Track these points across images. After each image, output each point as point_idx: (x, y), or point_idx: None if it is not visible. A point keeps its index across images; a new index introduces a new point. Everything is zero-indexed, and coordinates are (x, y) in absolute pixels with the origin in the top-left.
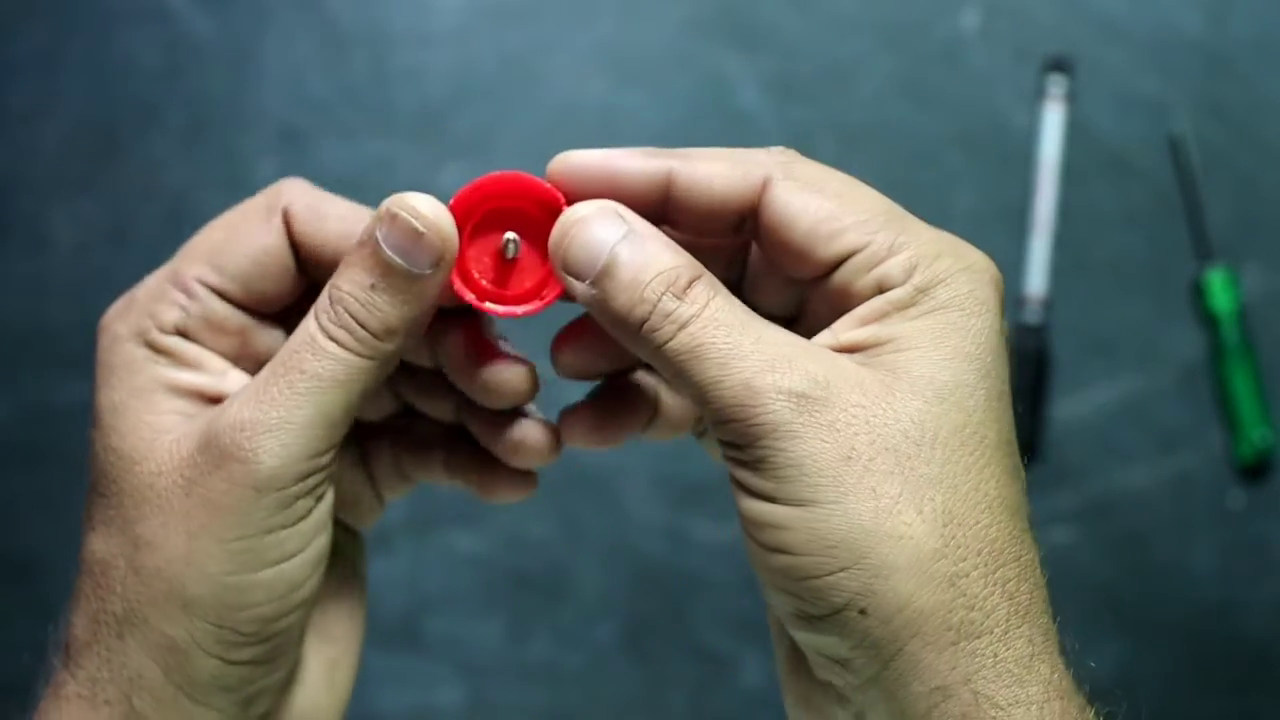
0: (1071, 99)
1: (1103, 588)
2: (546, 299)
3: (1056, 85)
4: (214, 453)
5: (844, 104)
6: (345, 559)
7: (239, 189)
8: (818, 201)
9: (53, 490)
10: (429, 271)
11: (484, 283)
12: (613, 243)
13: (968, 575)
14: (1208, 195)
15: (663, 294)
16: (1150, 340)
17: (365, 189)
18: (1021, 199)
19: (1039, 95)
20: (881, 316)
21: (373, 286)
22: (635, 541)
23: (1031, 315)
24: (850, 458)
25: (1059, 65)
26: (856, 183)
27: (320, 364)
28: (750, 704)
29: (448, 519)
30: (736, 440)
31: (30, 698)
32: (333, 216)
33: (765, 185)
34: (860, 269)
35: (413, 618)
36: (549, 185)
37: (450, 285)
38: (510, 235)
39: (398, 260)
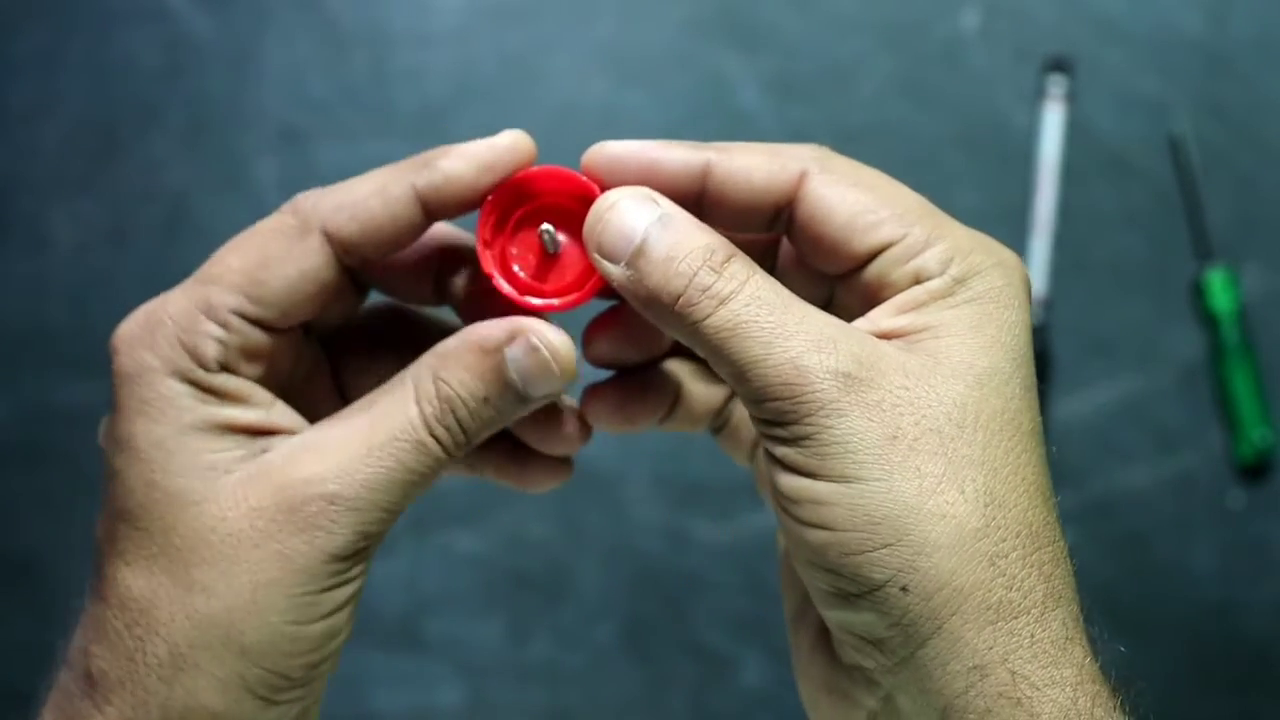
0: (1071, 99)
1: (1102, 587)
2: (585, 292)
3: (1056, 85)
4: (298, 519)
5: (844, 104)
6: None
7: (239, 189)
8: (855, 194)
9: (52, 491)
10: (540, 400)
11: (524, 277)
12: (646, 224)
13: (1007, 555)
14: (1208, 195)
15: (699, 268)
16: (1150, 340)
17: None
18: (1021, 199)
19: (1039, 95)
20: (919, 305)
21: (486, 400)
22: (635, 542)
23: (1032, 315)
24: (895, 437)
25: (1059, 65)
26: (890, 179)
27: (417, 460)
28: (750, 703)
29: (448, 519)
30: (779, 419)
31: (30, 700)
32: (376, 219)
33: (803, 178)
34: (897, 260)
35: (413, 618)
36: (585, 178)
37: (491, 281)
38: (546, 227)
39: (518, 384)
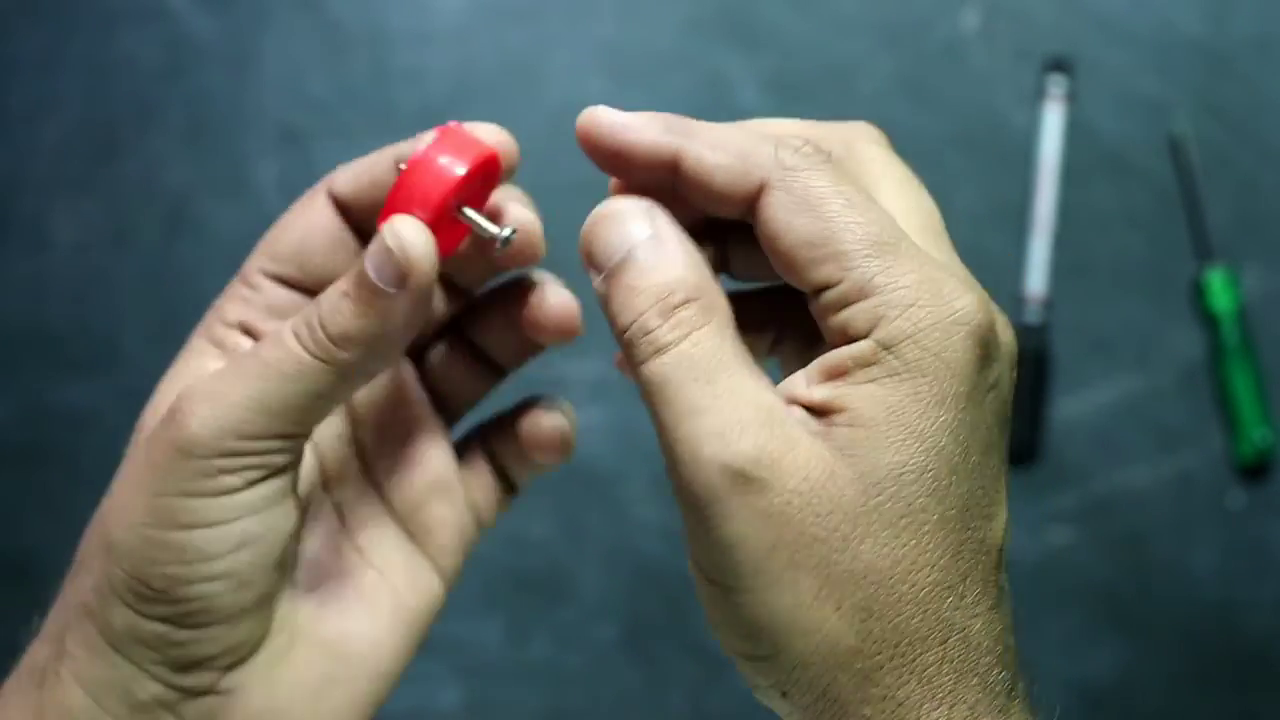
0: (1071, 99)
1: (1103, 587)
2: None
3: (1056, 85)
4: (165, 414)
5: (844, 104)
6: (394, 591)
7: (239, 189)
8: (803, 221)
9: (51, 491)
10: (393, 290)
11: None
12: (634, 243)
13: (881, 668)
14: (1208, 195)
15: (649, 309)
16: (1150, 340)
17: None
18: (1021, 199)
19: (1039, 95)
20: (842, 374)
21: (344, 294)
22: (635, 542)
23: (1031, 315)
24: (776, 547)
25: (1059, 65)
26: (863, 202)
27: (271, 353)
28: (749, 704)
29: None
30: (680, 499)
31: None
32: (373, 176)
33: (761, 189)
34: (830, 307)
35: None
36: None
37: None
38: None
39: (369, 273)
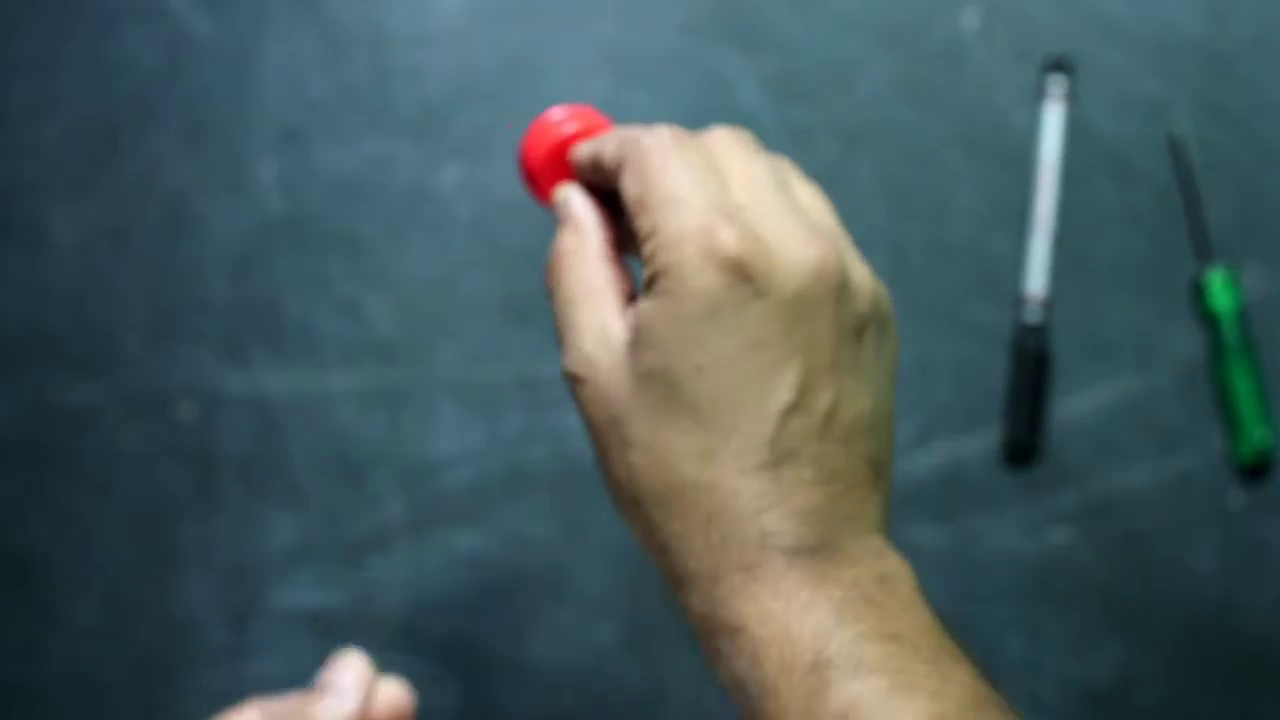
0: (1072, 99)
1: (1102, 587)
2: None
3: (1057, 85)
4: None
5: (844, 104)
6: None
7: (239, 189)
8: (633, 183)
9: (51, 491)
10: None
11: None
12: (564, 202)
13: (659, 511)
14: (1208, 195)
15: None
16: (1150, 340)
17: (364, 188)
18: (1022, 199)
19: (1039, 95)
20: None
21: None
22: (634, 542)
23: (1032, 315)
24: (594, 426)
25: (1059, 65)
26: (674, 168)
27: None
28: None
29: (448, 519)
30: None
31: (31, 697)
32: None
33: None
34: (644, 247)
35: (413, 618)
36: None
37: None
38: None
39: None
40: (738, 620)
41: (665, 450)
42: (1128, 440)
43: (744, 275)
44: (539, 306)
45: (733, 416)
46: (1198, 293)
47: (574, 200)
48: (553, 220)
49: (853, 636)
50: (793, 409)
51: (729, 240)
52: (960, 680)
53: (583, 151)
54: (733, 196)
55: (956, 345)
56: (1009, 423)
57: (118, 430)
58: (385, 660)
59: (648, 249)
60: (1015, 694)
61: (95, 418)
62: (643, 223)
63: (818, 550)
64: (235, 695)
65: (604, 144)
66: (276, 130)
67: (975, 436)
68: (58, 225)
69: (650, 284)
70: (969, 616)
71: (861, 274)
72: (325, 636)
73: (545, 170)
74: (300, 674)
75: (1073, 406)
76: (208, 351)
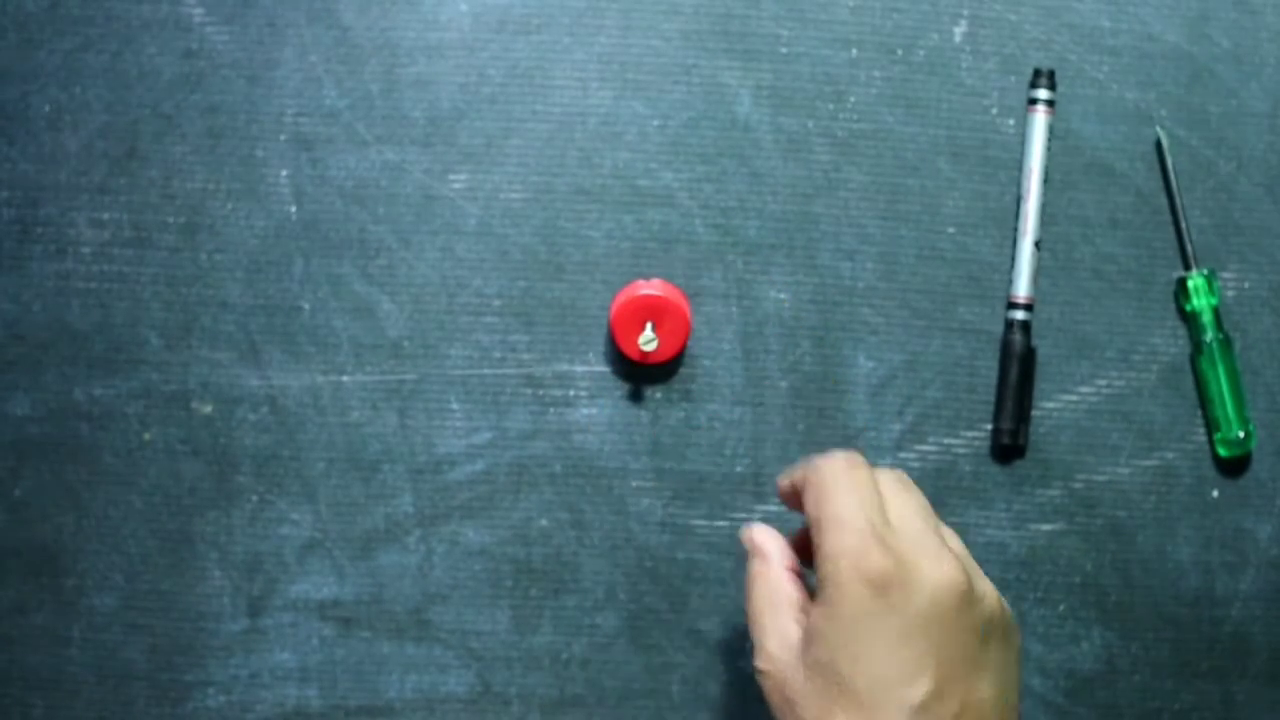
0: (1056, 108)
1: (1086, 579)
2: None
3: (1042, 95)
4: None
5: (836, 113)
6: None
7: (255, 194)
8: (811, 505)
9: (74, 485)
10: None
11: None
12: (753, 542)
13: None
14: (1188, 201)
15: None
16: (1133, 341)
17: (376, 194)
18: (1009, 205)
19: (1025, 105)
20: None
21: None
22: (636, 534)
23: (1019, 316)
24: (772, 699)
25: (1044, 76)
26: (845, 489)
27: None
28: (747, 691)
29: (456, 514)
30: None
31: (52, 685)
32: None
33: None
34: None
35: (422, 608)
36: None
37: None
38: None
39: None
40: None
41: None
42: (1111, 436)
43: (885, 588)
44: (544, 308)
45: (883, 701)
46: (1178, 294)
47: (757, 534)
48: (558, 231)
49: None
50: (926, 706)
51: (876, 560)
52: None
53: (782, 479)
54: (887, 521)
55: (946, 346)
56: (997, 420)
57: (139, 426)
58: (396, 649)
59: (816, 560)
60: None
61: (117, 414)
62: (815, 538)
63: None
64: (250, 683)
65: (795, 470)
66: (291, 138)
67: (965, 433)
68: (81, 229)
69: (819, 589)
70: None
71: (985, 587)
72: (337, 626)
73: (621, 321)
74: (313, 662)
75: (1058, 404)
76: (225, 351)
